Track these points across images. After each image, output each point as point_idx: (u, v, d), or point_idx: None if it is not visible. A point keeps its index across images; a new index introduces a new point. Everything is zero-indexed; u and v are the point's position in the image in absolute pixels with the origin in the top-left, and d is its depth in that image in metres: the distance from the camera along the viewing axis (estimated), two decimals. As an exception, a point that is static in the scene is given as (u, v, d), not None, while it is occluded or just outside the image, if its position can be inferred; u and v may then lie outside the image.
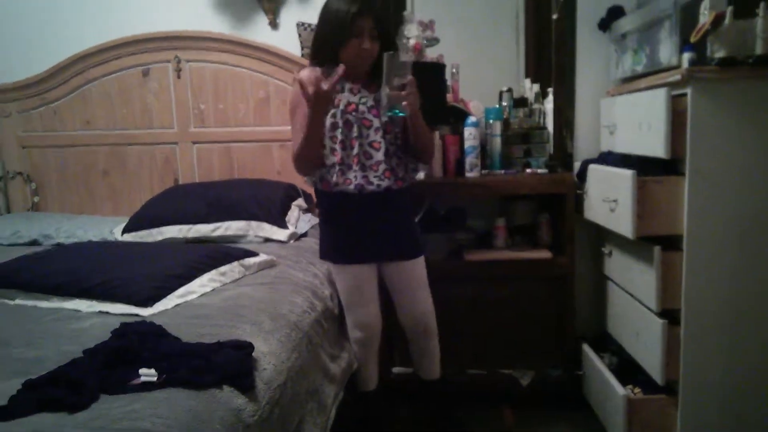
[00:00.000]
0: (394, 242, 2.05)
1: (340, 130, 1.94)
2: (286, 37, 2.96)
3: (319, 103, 1.83)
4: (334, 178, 1.96)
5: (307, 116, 1.88)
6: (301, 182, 2.92)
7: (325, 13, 1.95)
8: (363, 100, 1.98)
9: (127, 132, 3.08)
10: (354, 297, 2.10)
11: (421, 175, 2.36)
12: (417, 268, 2.10)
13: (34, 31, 3.17)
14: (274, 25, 2.99)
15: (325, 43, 1.94)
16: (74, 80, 3.08)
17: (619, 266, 2.33)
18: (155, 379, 1.29)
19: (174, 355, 1.39)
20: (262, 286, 2.04)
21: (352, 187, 1.94)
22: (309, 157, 1.95)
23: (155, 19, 3.03)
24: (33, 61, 3.13)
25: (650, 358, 2.05)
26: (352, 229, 2.02)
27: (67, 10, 3.13)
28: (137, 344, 1.43)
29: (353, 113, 1.95)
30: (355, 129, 1.95)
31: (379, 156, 1.95)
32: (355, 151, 1.94)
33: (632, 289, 2.19)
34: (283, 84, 2.93)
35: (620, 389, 2.14)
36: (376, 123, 1.96)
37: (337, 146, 1.95)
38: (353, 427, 2.23)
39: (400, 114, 1.86)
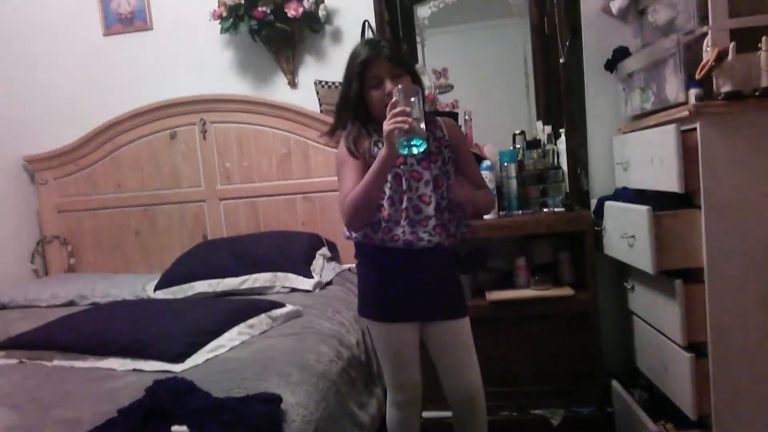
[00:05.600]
0: (440, 300, 1.89)
1: (388, 184, 1.78)
2: (305, 95, 3.09)
3: (391, 160, 1.67)
4: (380, 235, 1.79)
5: (357, 168, 1.76)
6: (325, 232, 3.03)
7: (346, 66, 1.85)
8: None
9: (156, 192, 3.21)
10: (395, 358, 1.93)
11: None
12: (462, 329, 1.93)
13: (67, 102, 3.36)
14: (293, 84, 3.13)
15: (347, 98, 1.82)
16: (106, 146, 3.24)
17: (642, 301, 2.33)
18: (187, 435, 1.33)
19: (205, 411, 1.44)
20: (289, 337, 2.09)
21: (400, 243, 1.79)
22: (367, 212, 1.77)
23: (180, 84, 3.19)
24: (67, 130, 3.30)
25: (680, 392, 2.03)
26: (395, 284, 1.86)
27: (97, 80, 3.32)
28: (169, 401, 1.48)
29: (401, 166, 1.78)
30: (404, 183, 1.79)
31: (429, 210, 1.79)
32: (404, 205, 1.78)
33: (657, 323, 2.18)
34: (304, 139, 3.05)
35: (652, 426, 2.12)
36: (426, 175, 1.80)
37: (385, 202, 1.79)
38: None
39: (419, 148, 1.59)
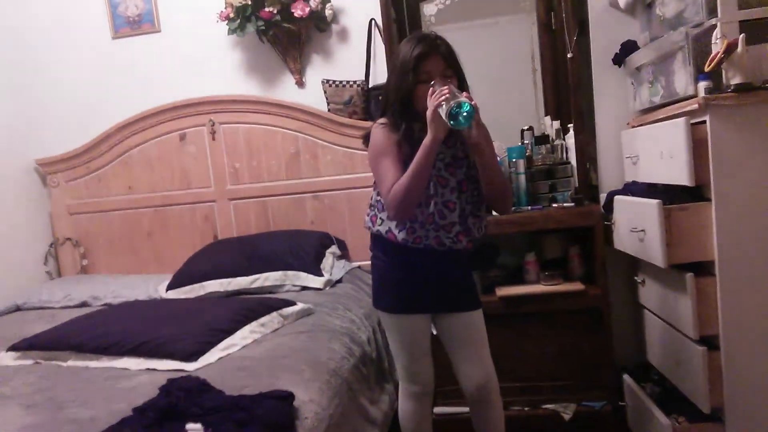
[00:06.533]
0: (453, 293, 1.92)
1: None
2: (312, 95, 3.10)
3: (436, 144, 1.69)
4: (404, 235, 1.82)
5: (396, 158, 1.76)
6: (335, 230, 3.04)
7: (393, 61, 1.86)
8: (440, 155, 1.80)
9: (167, 194, 3.23)
10: (408, 349, 1.95)
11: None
12: (476, 321, 1.95)
13: (77, 105, 3.38)
14: (300, 83, 3.14)
15: (396, 91, 1.81)
16: (117, 148, 3.26)
17: (653, 295, 2.32)
18: (201, 432, 1.35)
19: (218, 409, 1.45)
20: (301, 335, 2.10)
21: (421, 246, 1.82)
22: (415, 202, 1.76)
23: (189, 85, 3.21)
24: (77, 133, 3.33)
25: (693, 386, 2.03)
26: (410, 278, 1.88)
27: (106, 83, 3.34)
28: (183, 400, 1.50)
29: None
30: (431, 187, 1.80)
31: (454, 217, 1.81)
32: (431, 210, 1.80)
33: (669, 317, 2.18)
34: (312, 138, 3.06)
35: (664, 420, 2.11)
36: (452, 182, 1.82)
37: None
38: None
39: (468, 113, 1.61)
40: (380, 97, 2.01)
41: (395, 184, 1.74)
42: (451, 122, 1.62)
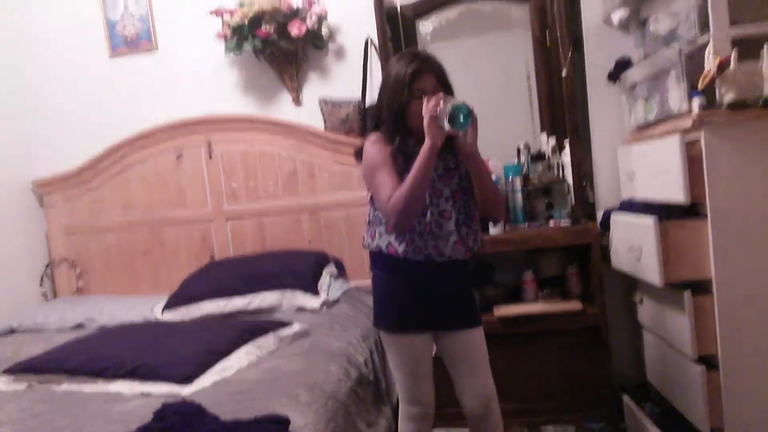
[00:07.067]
0: (454, 310, 1.91)
1: None
2: (309, 112, 3.10)
3: (434, 150, 1.71)
4: (404, 246, 1.83)
5: (392, 170, 1.78)
6: (332, 249, 3.03)
7: (385, 77, 1.89)
8: (434, 167, 1.80)
9: (164, 213, 3.23)
10: (409, 370, 1.92)
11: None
12: (476, 339, 1.94)
13: (74, 125, 3.38)
14: (297, 101, 3.15)
15: (389, 106, 1.82)
16: (113, 168, 3.26)
17: (651, 313, 2.31)
18: (194, 459, 1.33)
19: (212, 434, 1.44)
20: (297, 357, 2.09)
21: (421, 257, 1.83)
22: (415, 211, 1.77)
23: (186, 104, 3.21)
24: (74, 153, 3.32)
25: (692, 405, 2.01)
26: (411, 294, 1.87)
27: (103, 102, 3.35)
28: (178, 425, 1.48)
29: None
30: (426, 197, 1.81)
31: (450, 226, 1.83)
32: (427, 219, 1.82)
33: (667, 335, 2.17)
34: (309, 157, 3.06)
35: (664, 441, 2.10)
36: (446, 192, 1.85)
37: None
38: None
39: (465, 115, 1.66)
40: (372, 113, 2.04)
41: (394, 194, 1.75)
42: (451, 124, 1.65)
